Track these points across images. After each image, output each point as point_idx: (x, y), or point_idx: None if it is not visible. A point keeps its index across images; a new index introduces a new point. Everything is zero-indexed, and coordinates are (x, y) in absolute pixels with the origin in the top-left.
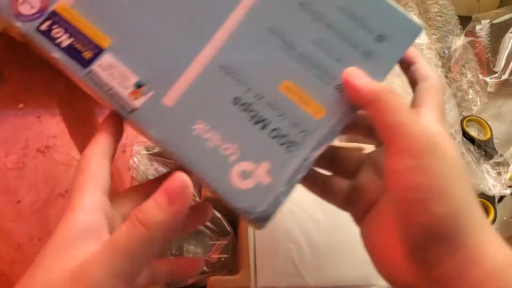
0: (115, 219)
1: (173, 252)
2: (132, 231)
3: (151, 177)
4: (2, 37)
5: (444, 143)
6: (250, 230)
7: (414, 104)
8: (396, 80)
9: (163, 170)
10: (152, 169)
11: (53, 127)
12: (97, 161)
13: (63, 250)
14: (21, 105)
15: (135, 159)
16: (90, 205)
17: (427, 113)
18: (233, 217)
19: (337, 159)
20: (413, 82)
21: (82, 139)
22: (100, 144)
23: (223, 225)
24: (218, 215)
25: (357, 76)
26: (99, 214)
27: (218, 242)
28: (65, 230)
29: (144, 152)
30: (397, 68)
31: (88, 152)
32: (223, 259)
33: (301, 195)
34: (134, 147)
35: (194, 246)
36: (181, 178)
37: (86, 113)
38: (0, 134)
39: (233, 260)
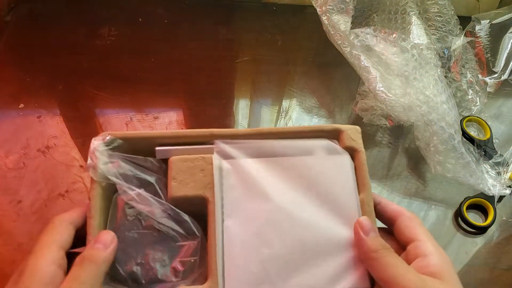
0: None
1: (138, 261)
2: (85, 267)
3: (113, 178)
4: (2, 36)
5: (432, 285)
6: (219, 233)
7: (408, 238)
8: (396, 80)
9: (125, 167)
10: (113, 167)
11: (53, 127)
12: (62, 224)
13: None
14: (21, 105)
15: (93, 157)
16: (51, 260)
17: (428, 245)
18: (201, 220)
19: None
20: (388, 220)
21: (82, 139)
22: (74, 213)
23: (191, 228)
24: (185, 217)
25: (365, 229)
26: (59, 270)
27: (186, 243)
28: (25, 283)
29: (103, 148)
30: (396, 68)
31: (60, 216)
32: (192, 260)
33: (277, 198)
34: (91, 143)
35: (160, 252)
36: (109, 232)
37: (86, 113)
38: (1, 134)
39: (203, 263)
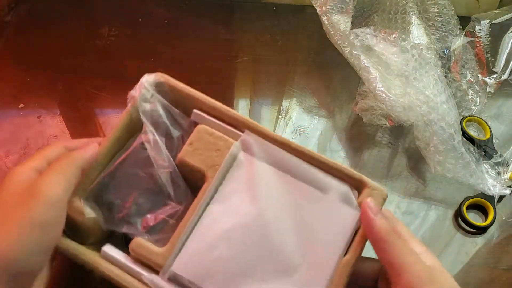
0: None
1: (121, 197)
2: (65, 162)
3: (143, 116)
4: (2, 36)
5: (440, 275)
6: (200, 211)
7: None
8: (396, 80)
9: (159, 112)
10: (149, 107)
11: (53, 127)
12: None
13: None
14: (21, 105)
15: (138, 90)
16: (31, 166)
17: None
18: (194, 193)
19: (357, 272)
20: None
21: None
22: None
23: (182, 194)
24: (181, 183)
25: (373, 210)
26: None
27: (170, 204)
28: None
29: (151, 86)
30: (396, 68)
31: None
32: (166, 220)
33: (266, 210)
34: (144, 76)
35: (145, 199)
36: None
37: (86, 113)
38: (0, 134)
39: (172, 231)
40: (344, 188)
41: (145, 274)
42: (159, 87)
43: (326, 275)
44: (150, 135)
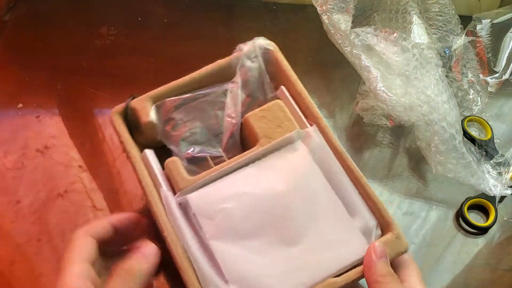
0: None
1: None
2: (125, 282)
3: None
4: (1, 36)
5: None
6: (237, 165)
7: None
8: (397, 80)
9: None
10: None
11: (52, 127)
12: (84, 238)
13: None
14: (20, 105)
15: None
16: (79, 274)
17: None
18: (244, 149)
19: None
20: None
21: (81, 139)
22: (96, 225)
23: (234, 147)
24: (237, 137)
25: (378, 254)
26: (87, 281)
27: (219, 150)
28: None
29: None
30: (397, 68)
31: (81, 231)
32: (207, 160)
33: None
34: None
35: (202, 135)
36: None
37: (85, 113)
38: None
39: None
40: (372, 222)
41: (164, 188)
42: (266, 53)
43: (310, 282)
44: (235, 87)
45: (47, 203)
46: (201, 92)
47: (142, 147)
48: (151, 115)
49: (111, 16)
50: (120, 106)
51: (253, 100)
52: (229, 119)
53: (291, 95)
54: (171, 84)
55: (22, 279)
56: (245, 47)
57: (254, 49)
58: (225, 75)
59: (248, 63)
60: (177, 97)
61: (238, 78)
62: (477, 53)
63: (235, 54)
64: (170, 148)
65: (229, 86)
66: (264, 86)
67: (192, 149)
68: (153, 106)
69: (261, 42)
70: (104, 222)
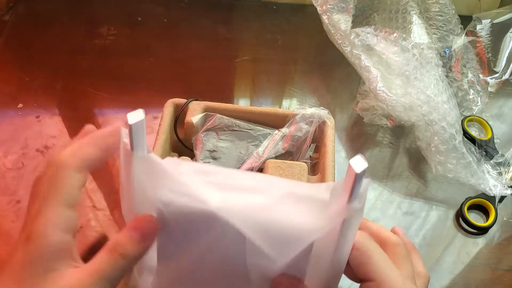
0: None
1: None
2: (113, 262)
3: None
4: (1, 36)
5: None
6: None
7: (362, 276)
8: (397, 80)
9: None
10: None
11: (52, 127)
12: (69, 171)
13: (42, 274)
14: (20, 105)
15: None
16: (54, 222)
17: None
18: None
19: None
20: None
21: None
22: (82, 154)
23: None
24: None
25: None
26: (67, 235)
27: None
28: (36, 252)
29: None
30: (397, 68)
31: (65, 160)
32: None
33: None
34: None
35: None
36: (151, 219)
37: (85, 113)
38: None
39: None
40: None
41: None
42: (322, 123)
43: None
44: (278, 135)
45: None
46: (249, 124)
47: (175, 142)
48: (196, 118)
49: (111, 16)
50: (177, 100)
51: (288, 154)
52: (255, 156)
53: None
54: (229, 105)
55: None
56: (308, 111)
57: (313, 115)
58: (277, 122)
59: (302, 123)
60: (228, 117)
61: (285, 130)
62: (477, 53)
63: (295, 111)
64: (194, 153)
65: (274, 132)
66: (302, 147)
67: (209, 162)
68: (204, 113)
69: (322, 113)
70: (93, 149)
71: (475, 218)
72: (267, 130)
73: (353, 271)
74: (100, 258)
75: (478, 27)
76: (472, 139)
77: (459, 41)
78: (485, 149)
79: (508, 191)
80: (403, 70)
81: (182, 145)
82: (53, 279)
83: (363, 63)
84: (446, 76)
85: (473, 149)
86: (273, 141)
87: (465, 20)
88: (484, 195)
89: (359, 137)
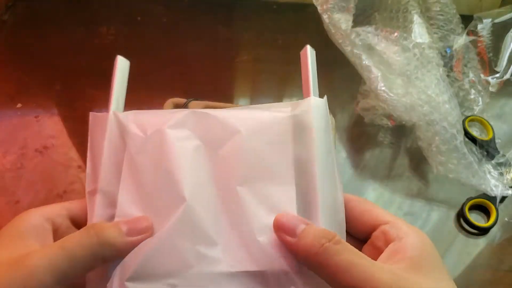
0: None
1: None
2: (84, 236)
3: None
4: (1, 36)
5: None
6: None
7: (371, 225)
8: (397, 80)
9: None
10: None
11: (51, 127)
12: (36, 217)
13: (8, 240)
14: (19, 105)
15: None
16: (40, 213)
17: (401, 225)
18: None
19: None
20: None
21: (80, 139)
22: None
23: None
24: None
25: (288, 227)
26: (46, 221)
27: None
28: (13, 226)
29: None
30: (398, 67)
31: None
32: None
33: None
34: None
35: None
36: (148, 221)
37: (84, 113)
38: None
39: None
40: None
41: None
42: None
43: None
44: None
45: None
46: None
47: None
48: None
49: (111, 15)
50: (177, 99)
51: None
52: None
53: None
54: (229, 105)
55: None
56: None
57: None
58: None
59: None
60: None
61: None
62: (478, 53)
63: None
64: None
65: None
66: None
67: None
68: None
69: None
70: (60, 208)
71: (476, 218)
72: None
73: (357, 226)
74: (73, 234)
75: (479, 26)
76: (473, 139)
77: (460, 40)
78: (486, 149)
79: (510, 192)
80: (404, 70)
81: None
82: (14, 245)
83: (363, 62)
84: (447, 76)
85: (474, 149)
86: None
87: (466, 20)
88: (485, 196)
89: (359, 137)
